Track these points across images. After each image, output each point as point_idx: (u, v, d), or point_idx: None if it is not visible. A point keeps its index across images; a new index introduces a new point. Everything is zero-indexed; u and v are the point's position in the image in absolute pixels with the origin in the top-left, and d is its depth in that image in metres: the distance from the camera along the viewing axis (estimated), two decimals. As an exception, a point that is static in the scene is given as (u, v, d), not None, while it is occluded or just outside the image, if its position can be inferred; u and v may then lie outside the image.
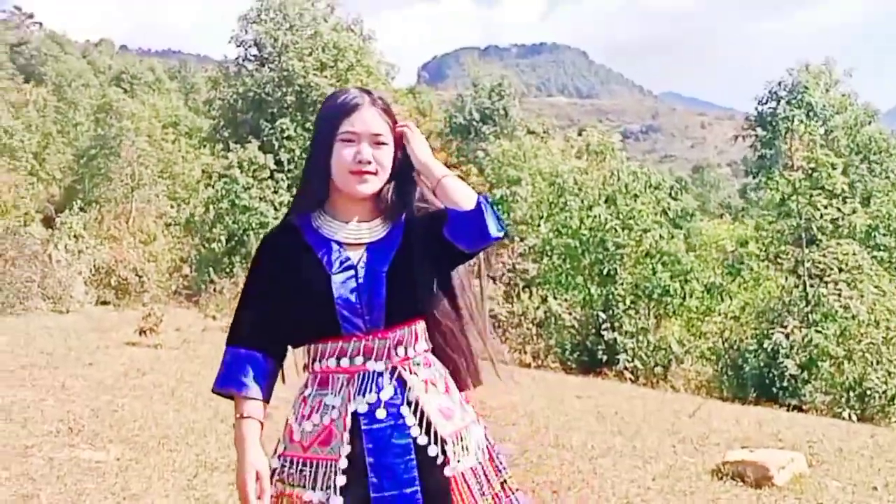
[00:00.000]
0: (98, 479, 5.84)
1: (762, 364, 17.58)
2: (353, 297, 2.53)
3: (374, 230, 2.62)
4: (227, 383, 2.58)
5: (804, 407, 15.76)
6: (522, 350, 19.51)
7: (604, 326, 18.15)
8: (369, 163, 2.58)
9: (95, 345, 11.95)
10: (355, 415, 2.50)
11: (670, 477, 6.84)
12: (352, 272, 2.54)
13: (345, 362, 2.54)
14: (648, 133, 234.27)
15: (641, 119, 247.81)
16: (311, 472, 2.51)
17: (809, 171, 18.85)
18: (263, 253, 2.66)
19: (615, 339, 17.88)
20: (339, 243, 2.59)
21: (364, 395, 2.51)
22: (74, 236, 19.55)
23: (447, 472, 2.52)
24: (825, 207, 18.73)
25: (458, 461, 2.55)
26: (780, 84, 24.83)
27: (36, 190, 36.95)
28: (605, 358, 17.90)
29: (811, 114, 23.74)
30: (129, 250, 20.29)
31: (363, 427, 2.49)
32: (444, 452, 2.52)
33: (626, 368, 17.59)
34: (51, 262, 16.55)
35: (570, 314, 19.26)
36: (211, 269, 22.69)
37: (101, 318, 15.96)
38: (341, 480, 2.46)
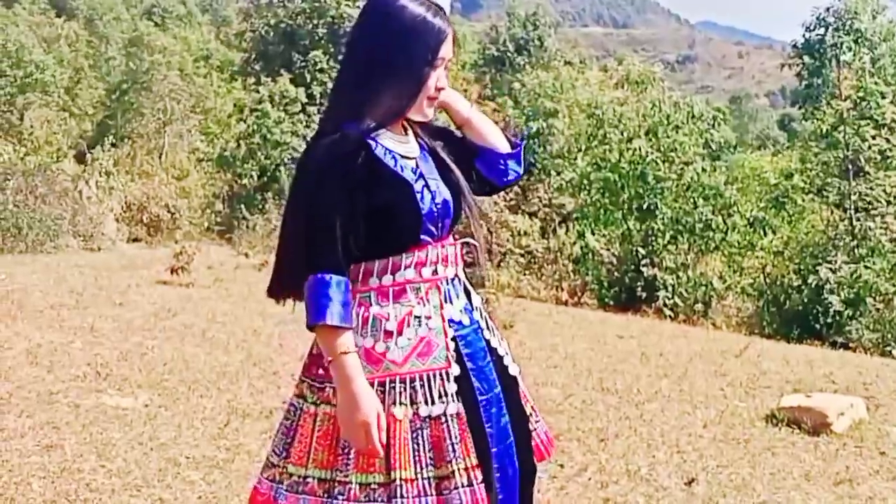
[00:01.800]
0: (125, 428, 5.60)
1: (806, 300, 17.19)
2: (433, 206, 2.48)
3: (412, 144, 2.58)
4: (325, 315, 2.34)
5: (850, 345, 15.35)
6: (559, 287, 19.20)
7: (643, 262, 17.75)
8: (443, 89, 2.56)
9: (126, 283, 11.72)
10: (450, 322, 2.49)
11: (722, 423, 6.52)
12: (423, 182, 2.50)
13: (426, 272, 2.49)
14: (685, 63, 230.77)
15: (678, 49, 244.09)
16: (422, 385, 2.42)
17: (857, 101, 18.20)
18: (335, 168, 2.40)
19: (654, 276, 17.48)
20: (400, 155, 2.51)
21: (451, 303, 2.52)
22: (105, 173, 19.32)
23: (512, 371, 2.63)
24: (873, 138, 18.13)
25: (513, 361, 2.66)
26: (828, 10, 23.96)
27: (68, 126, 36.81)
28: (643, 295, 17.52)
29: (860, 41, 22.91)
30: (160, 186, 20.05)
31: (457, 333, 2.50)
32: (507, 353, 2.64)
33: (665, 305, 17.20)
34: (81, 199, 16.33)
35: (608, 250, 18.86)
36: (243, 205, 22.46)
37: (133, 255, 15.79)
38: (453, 388, 2.43)
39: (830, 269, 16.30)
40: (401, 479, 2.34)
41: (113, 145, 28.82)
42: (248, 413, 6.03)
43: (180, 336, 8.47)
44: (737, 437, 6.15)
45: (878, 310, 16.14)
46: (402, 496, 2.34)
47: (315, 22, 31.20)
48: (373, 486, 2.36)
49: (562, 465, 5.32)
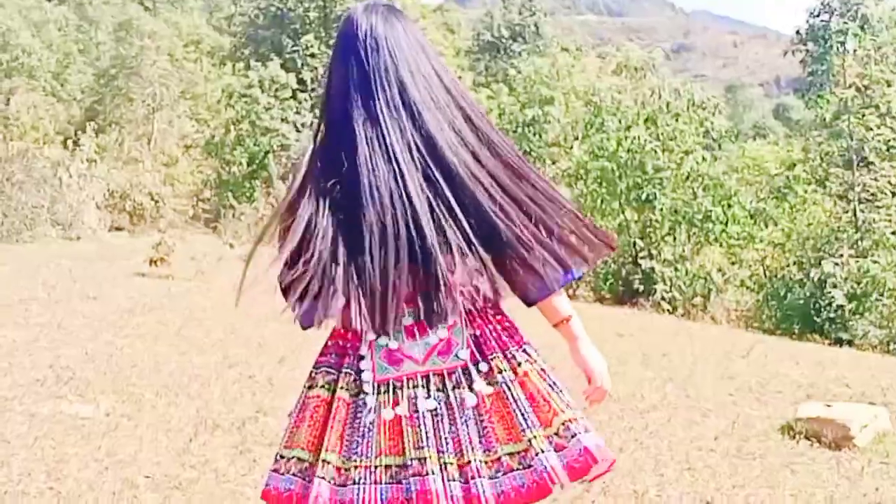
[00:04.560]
0: (81, 441, 5.10)
1: (808, 294, 16.70)
2: None
3: None
4: None
5: (855, 342, 14.88)
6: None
7: (641, 254, 17.23)
8: None
9: (103, 276, 11.24)
10: None
11: (734, 435, 6.03)
12: None
13: None
14: (680, 52, 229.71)
15: (672, 37, 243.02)
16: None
17: (862, 88, 17.68)
18: None
19: (652, 268, 16.95)
20: None
21: None
22: (88, 159, 18.71)
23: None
24: (878, 127, 17.60)
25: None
26: (833, -6, 23.45)
27: (55, 111, 36.14)
28: (641, 288, 17.00)
29: (865, 27, 22.35)
30: (144, 173, 19.46)
31: None
32: None
33: (663, 299, 16.69)
34: (61, 186, 15.75)
35: (604, 241, 18.36)
36: (230, 193, 21.91)
37: (114, 245, 15.24)
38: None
39: (835, 262, 15.78)
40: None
41: (100, 131, 28.23)
42: (219, 424, 5.53)
43: (153, 335, 7.97)
44: (752, 452, 5.65)
45: (886, 306, 15.62)
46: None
47: (306, 6, 30.60)
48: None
49: (561, 486, 4.80)
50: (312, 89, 28.33)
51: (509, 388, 2.28)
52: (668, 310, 16.34)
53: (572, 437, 2.29)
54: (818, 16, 24.62)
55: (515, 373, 2.30)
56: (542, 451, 2.24)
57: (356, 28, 2.38)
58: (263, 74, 26.74)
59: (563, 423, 2.29)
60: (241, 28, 34.34)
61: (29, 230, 14.61)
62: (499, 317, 2.36)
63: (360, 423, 2.26)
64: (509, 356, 2.31)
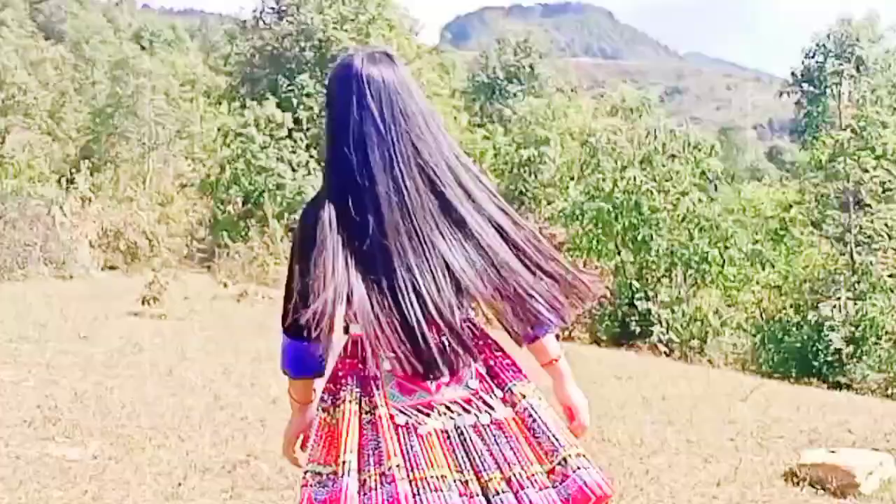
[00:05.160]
0: (67, 485, 4.96)
1: (805, 337, 16.61)
2: None
3: None
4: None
5: (854, 385, 14.77)
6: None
7: (637, 296, 17.14)
8: None
9: (94, 315, 11.07)
10: None
11: (737, 481, 5.89)
12: None
13: None
14: (673, 94, 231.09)
15: (666, 80, 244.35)
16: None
17: (858, 130, 17.68)
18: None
19: (649, 310, 16.88)
20: None
21: None
22: (81, 198, 18.61)
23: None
24: (874, 169, 17.59)
25: None
26: (828, 36, 23.43)
27: (51, 149, 36.13)
28: (638, 329, 16.90)
29: (861, 69, 22.40)
30: (138, 212, 19.35)
31: None
32: None
33: (660, 341, 16.59)
34: (54, 224, 15.63)
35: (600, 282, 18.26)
36: (225, 232, 21.79)
37: (107, 284, 15.10)
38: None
39: (833, 305, 15.69)
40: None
41: (95, 170, 28.18)
42: (209, 468, 5.38)
43: (144, 375, 7.82)
44: (755, 499, 5.53)
45: (886, 350, 15.51)
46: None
47: (302, 45, 30.63)
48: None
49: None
50: (308, 128, 28.29)
51: (535, 411, 2.40)
52: (665, 352, 16.25)
53: (591, 464, 2.40)
54: (813, 57, 24.68)
55: (532, 400, 2.41)
56: (580, 468, 2.35)
57: (363, 76, 2.42)
58: (259, 113, 26.71)
59: (581, 453, 2.40)
60: (236, 68, 34.36)
61: (21, 268, 14.47)
62: (500, 353, 2.47)
63: (370, 435, 2.31)
64: (524, 385, 2.43)
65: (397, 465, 2.25)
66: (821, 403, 9.53)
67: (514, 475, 2.29)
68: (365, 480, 2.28)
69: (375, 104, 2.40)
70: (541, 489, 2.31)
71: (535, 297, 2.41)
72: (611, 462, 6.15)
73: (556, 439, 2.38)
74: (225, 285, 15.16)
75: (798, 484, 5.81)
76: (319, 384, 2.52)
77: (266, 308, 13.12)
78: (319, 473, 2.39)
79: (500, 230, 2.42)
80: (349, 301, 2.29)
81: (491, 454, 2.31)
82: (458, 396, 2.37)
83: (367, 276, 2.31)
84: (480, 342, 2.44)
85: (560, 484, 2.33)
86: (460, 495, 2.26)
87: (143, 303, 11.68)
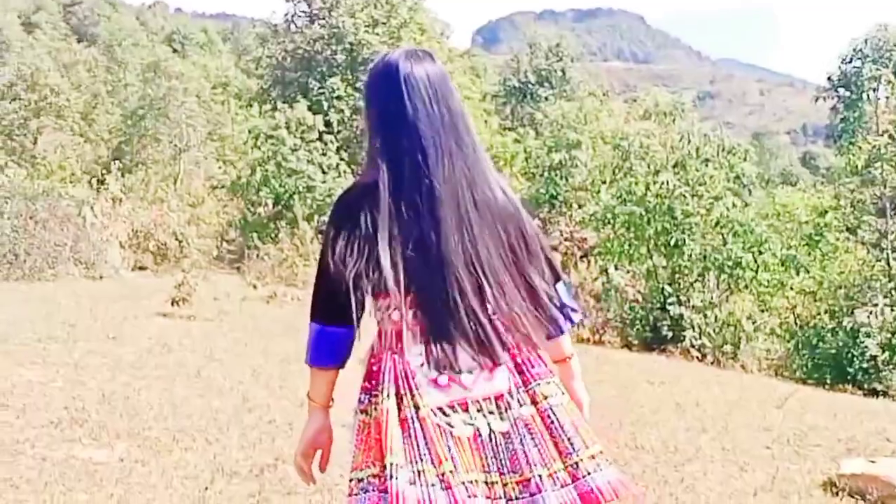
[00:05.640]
0: (93, 488, 4.89)
1: (840, 344, 16.36)
2: None
3: None
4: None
5: (890, 392, 14.53)
6: (580, 324, 18.38)
7: (669, 301, 16.90)
8: None
9: (123, 315, 11.04)
10: None
11: (774, 490, 5.75)
12: None
13: None
14: (705, 100, 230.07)
15: (698, 85, 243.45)
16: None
17: (895, 135, 17.40)
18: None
19: (681, 315, 16.61)
20: None
21: None
22: (112, 199, 18.65)
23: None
24: (911, 174, 17.33)
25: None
26: (865, 41, 23.16)
27: (82, 150, 36.40)
28: (670, 334, 16.66)
29: (899, 74, 22.15)
30: (168, 213, 19.36)
31: None
32: None
33: (692, 346, 16.35)
34: (84, 224, 15.64)
35: (632, 287, 18.03)
36: (255, 234, 21.78)
37: (136, 285, 15.10)
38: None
39: (869, 311, 15.44)
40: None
41: (128, 171, 28.32)
42: (237, 471, 5.31)
43: (172, 376, 7.76)
44: (793, 509, 5.38)
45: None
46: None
47: (333, 48, 30.64)
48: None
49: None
50: (339, 131, 28.31)
51: (554, 412, 2.49)
52: (697, 357, 16.01)
53: (606, 466, 2.49)
54: (850, 62, 24.37)
55: (555, 399, 2.51)
56: (590, 473, 2.44)
57: (408, 72, 2.52)
58: (290, 116, 26.72)
59: (599, 452, 2.50)
60: (268, 70, 34.45)
61: (51, 268, 14.49)
62: (527, 347, 2.54)
63: (417, 433, 2.36)
64: (547, 383, 2.52)
65: (450, 471, 2.33)
66: (857, 411, 9.34)
67: (535, 476, 2.38)
68: (420, 472, 2.33)
69: (423, 97, 2.50)
70: (562, 486, 2.41)
71: (553, 300, 2.59)
72: (644, 469, 6.04)
73: (572, 443, 2.46)
74: (254, 287, 15.11)
75: (837, 494, 5.67)
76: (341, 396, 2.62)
77: (295, 310, 13.06)
78: (361, 480, 2.43)
79: (524, 242, 2.58)
80: (396, 281, 2.38)
81: (516, 456, 2.41)
82: (491, 393, 2.45)
83: (417, 261, 2.40)
84: (510, 337, 2.51)
85: (571, 484, 2.43)
86: (486, 497, 2.35)
87: (172, 304, 11.65)
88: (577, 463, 2.45)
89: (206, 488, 4.97)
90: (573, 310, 2.68)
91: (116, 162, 25.54)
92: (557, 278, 2.66)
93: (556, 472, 2.42)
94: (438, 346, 2.42)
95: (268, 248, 19.53)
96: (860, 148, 18.42)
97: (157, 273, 17.57)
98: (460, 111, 2.56)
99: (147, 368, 8.02)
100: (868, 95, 23.53)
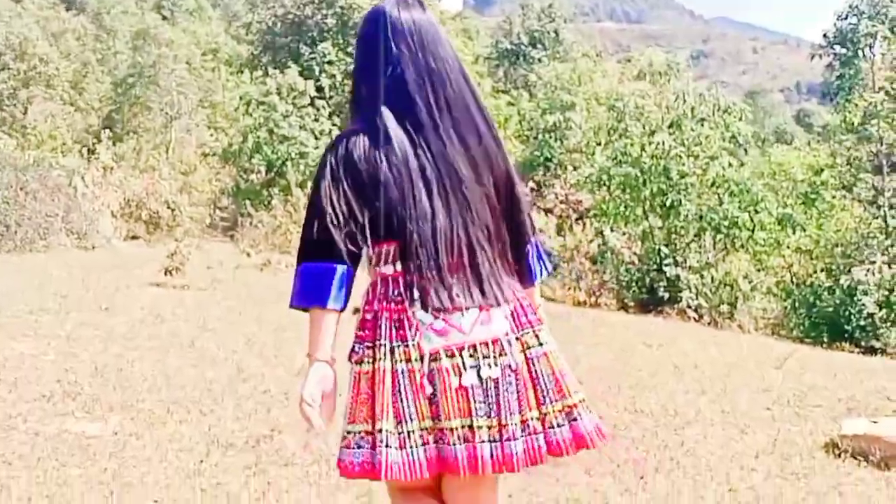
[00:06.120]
0: (87, 463, 4.81)
1: (837, 302, 16.32)
2: None
3: None
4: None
5: (888, 350, 14.51)
6: (576, 287, 18.33)
7: (666, 262, 16.86)
8: None
9: (116, 286, 10.96)
10: None
11: (776, 453, 5.69)
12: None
13: None
14: (699, 59, 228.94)
15: (692, 44, 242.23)
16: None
17: (891, 92, 17.26)
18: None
19: (678, 275, 16.59)
20: None
21: None
22: (103, 168, 18.48)
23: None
24: (908, 131, 17.20)
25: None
26: (861, -2, 22.94)
27: (73, 120, 36.09)
28: (666, 295, 16.63)
29: (895, 30, 21.87)
30: (160, 181, 19.21)
31: None
32: None
33: (689, 307, 16.32)
34: (76, 195, 15.50)
35: (628, 248, 17.99)
36: (248, 201, 21.65)
37: (129, 254, 15.00)
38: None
39: (866, 269, 15.38)
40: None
41: (118, 140, 28.11)
42: (232, 443, 5.23)
43: (165, 347, 7.69)
44: (796, 472, 5.31)
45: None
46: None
47: (324, 12, 30.33)
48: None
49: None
50: (330, 96, 28.08)
51: (536, 362, 2.55)
52: (694, 317, 15.99)
53: (580, 416, 2.57)
54: (846, 19, 24.10)
55: (542, 348, 2.57)
56: (559, 425, 2.54)
57: (397, 17, 2.59)
58: (281, 82, 26.50)
59: (578, 402, 2.57)
60: (258, 36, 34.17)
61: (43, 239, 14.36)
62: (522, 295, 2.62)
63: (406, 390, 2.45)
64: (536, 332, 2.58)
65: (428, 428, 2.46)
66: (856, 370, 9.30)
67: (511, 424, 2.47)
68: (409, 434, 2.45)
69: (409, 43, 2.57)
70: (532, 434, 2.51)
71: (531, 249, 2.75)
72: (644, 433, 5.98)
73: (548, 393, 2.54)
74: (248, 254, 15.03)
75: (840, 456, 5.61)
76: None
77: (289, 278, 12.83)
78: (357, 433, 2.51)
79: (509, 191, 2.66)
80: (388, 226, 2.47)
81: (499, 402, 2.47)
82: (488, 338, 2.49)
83: (408, 207, 2.48)
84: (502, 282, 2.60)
85: (533, 434, 2.52)
86: (465, 441, 2.45)
87: (165, 273, 11.57)
88: (545, 415, 2.53)
89: (202, 461, 4.89)
90: (549, 256, 2.94)
91: (107, 131, 25.28)
92: (534, 230, 2.77)
93: (528, 420, 2.50)
94: (434, 289, 2.47)
95: (261, 215, 19.44)
96: (856, 105, 18.27)
97: (149, 242, 17.46)
98: (447, 58, 2.60)
99: (140, 339, 7.94)
100: (864, 52, 23.33)
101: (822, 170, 19.22)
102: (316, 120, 26.71)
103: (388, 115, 2.52)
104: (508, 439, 2.46)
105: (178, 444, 5.17)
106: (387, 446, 2.43)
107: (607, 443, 2.68)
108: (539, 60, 36.42)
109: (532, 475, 4.93)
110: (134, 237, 17.91)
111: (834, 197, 18.46)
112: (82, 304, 9.50)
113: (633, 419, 6.36)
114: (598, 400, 6.82)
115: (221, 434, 5.37)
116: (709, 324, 15.97)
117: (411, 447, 2.44)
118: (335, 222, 2.43)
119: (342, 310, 2.48)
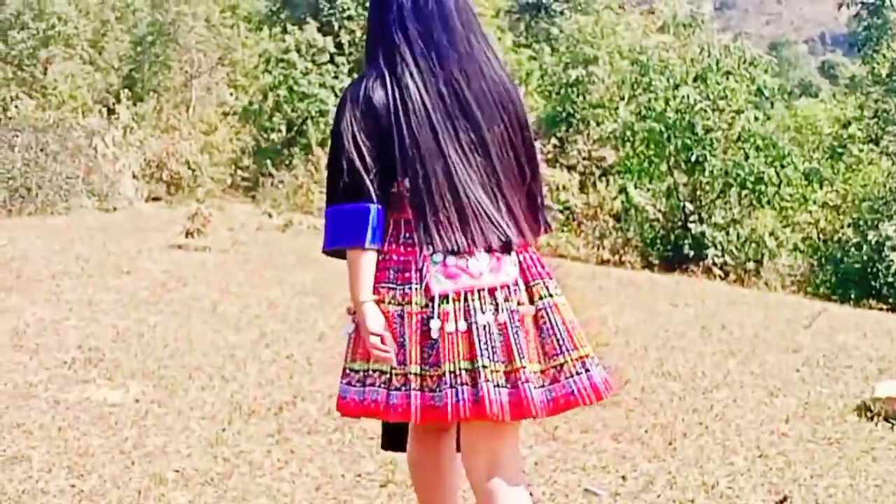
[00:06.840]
0: (108, 432, 4.76)
1: (865, 258, 16.10)
2: None
3: None
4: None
5: (918, 307, 14.31)
6: (600, 245, 18.17)
7: (691, 218, 16.67)
8: None
9: (137, 249, 10.91)
10: None
11: (807, 416, 5.58)
12: None
13: None
14: (722, 9, 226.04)
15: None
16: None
17: (921, 43, 16.92)
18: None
19: (703, 232, 16.40)
20: None
21: None
22: (123, 128, 18.39)
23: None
24: (938, 82, 16.86)
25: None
26: (891, -59, 22.47)
27: (93, 79, 35.95)
28: (691, 253, 16.46)
29: (926, -22, 21.49)
30: (180, 141, 19.11)
31: None
32: None
33: (714, 264, 16.16)
34: (96, 156, 15.44)
35: (652, 205, 17.78)
36: (269, 160, 21.54)
37: (150, 216, 14.95)
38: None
39: (894, 225, 15.14)
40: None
41: (139, 99, 27.99)
42: (255, 410, 5.17)
43: (187, 311, 7.64)
44: (828, 436, 5.21)
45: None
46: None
47: (342, -34, 30.02)
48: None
49: (624, 477, 4.43)
50: (350, 53, 27.81)
51: (549, 312, 2.60)
52: (719, 275, 15.84)
53: (591, 367, 2.62)
54: (875, -36, 23.73)
55: (553, 300, 2.62)
56: (575, 374, 2.58)
57: None
58: (300, 38, 26.25)
59: (589, 353, 2.62)
60: (276, -11, 33.87)
61: (64, 201, 14.33)
62: (531, 248, 2.69)
63: (428, 334, 2.50)
64: (547, 284, 2.63)
65: (420, 373, 2.52)
66: (887, 329, 9.18)
67: (522, 368, 2.50)
68: (408, 376, 2.52)
69: None
70: (551, 382, 2.58)
71: (542, 201, 2.79)
72: (672, 397, 5.89)
73: (561, 343, 2.59)
74: (269, 215, 14.97)
75: (873, 419, 5.51)
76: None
77: (311, 239, 12.89)
78: (356, 371, 2.62)
79: (522, 137, 2.70)
80: (403, 169, 2.53)
81: (508, 346, 2.51)
82: (497, 283, 2.54)
83: (422, 152, 2.54)
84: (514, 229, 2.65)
85: (549, 385, 2.57)
86: (465, 384, 2.47)
87: (186, 235, 11.51)
88: (562, 364, 2.57)
89: (224, 429, 4.83)
90: (550, 210, 2.97)
91: (126, 91, 25.17)
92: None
93: (546, 370, 2.57)
94: (446, 231, 2.53)
95: (282, 174, 19.36)
96: (884, 56, 17.90)
97: (170, 204, 17.41)
98: (454, 6, 2.65)
99: (161, 304, 7.90)
100: (892, 1, 22.85)
101: (849, 123, 18.89)
102: (336, 77, 26.47)
103: (400, 63, 2.58)
104: (525, 381, 2.49)
105: (200, 412, 5.11)
106: (387, 388, 2.54)
107: (617, 393, 2.85)
108: (561, 13, 35.87)
109: (559, 441, 4.87)
110: (155, 198, 17.86)
111: (861, 150, 18.15)
112: (103, 267, 9.46)
113: (661, 383, 6.26)
114: (626, 364, 6.73)
115: (244, 401, 5.31)
116: (734, 281, 15.82)
117: (417, 388, 2.51)
118: (362, 164, 2.51)
119: (379, 249, 2.56)
